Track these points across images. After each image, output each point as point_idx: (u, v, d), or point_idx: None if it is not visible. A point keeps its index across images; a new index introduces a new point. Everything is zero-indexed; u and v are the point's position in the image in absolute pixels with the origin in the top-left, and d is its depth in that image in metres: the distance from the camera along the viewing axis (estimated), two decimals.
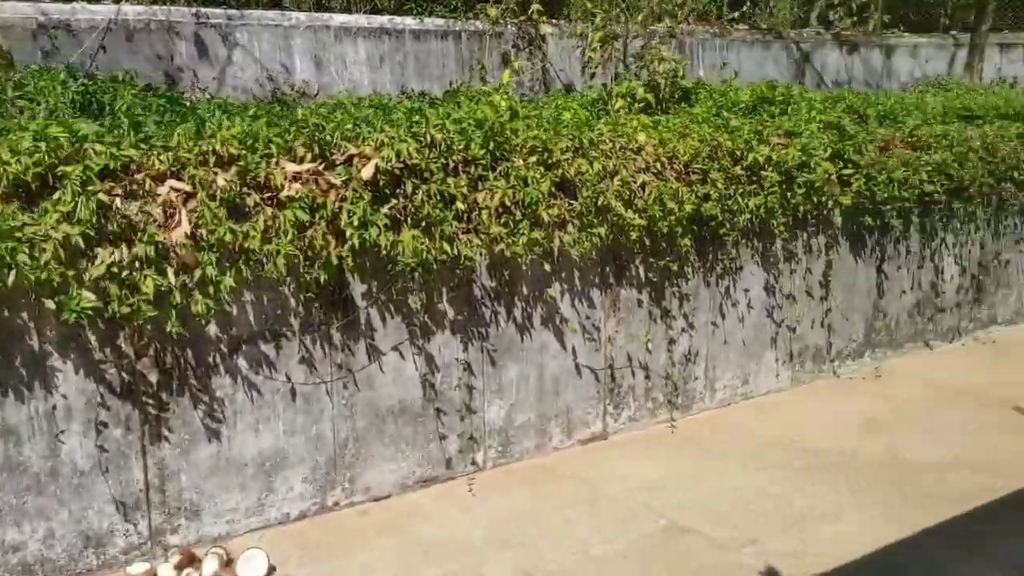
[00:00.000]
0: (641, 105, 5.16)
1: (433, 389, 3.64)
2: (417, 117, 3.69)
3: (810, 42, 11.63)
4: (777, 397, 4.77)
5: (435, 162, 3.46)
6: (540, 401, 3.97)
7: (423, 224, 3.40)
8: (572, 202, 3.85)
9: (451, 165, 3.55)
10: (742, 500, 3.47)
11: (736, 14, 11.89)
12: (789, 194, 4.53)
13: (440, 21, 6.51)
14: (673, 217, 4.11)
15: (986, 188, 5.41)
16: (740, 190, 4.34)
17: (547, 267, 3.81)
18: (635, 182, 4.04)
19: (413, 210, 3.38)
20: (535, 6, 6.48)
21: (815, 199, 4.64)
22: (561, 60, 6.84)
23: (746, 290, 4.61)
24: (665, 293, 4.32)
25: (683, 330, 4.42)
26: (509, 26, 6.63)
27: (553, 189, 3.76)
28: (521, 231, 3.60)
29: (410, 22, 6.33)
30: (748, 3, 12.26)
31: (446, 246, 3.40)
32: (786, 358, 4.86)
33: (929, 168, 5.06)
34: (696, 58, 10.57)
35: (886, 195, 4.87)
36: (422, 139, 3.46)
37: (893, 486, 3.57)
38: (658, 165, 4.15)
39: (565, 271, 3.96)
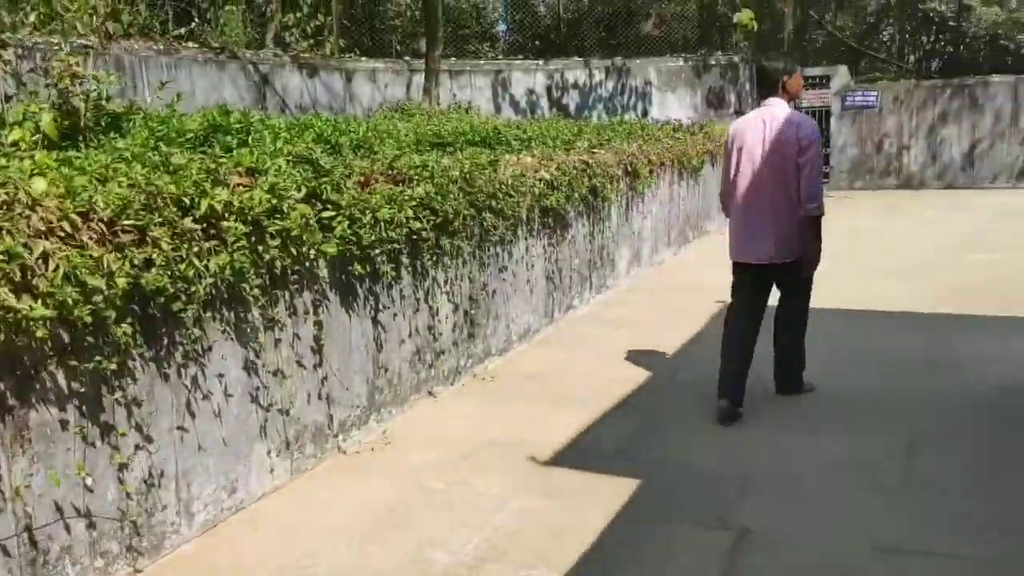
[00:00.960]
0: (45, 138, 3.74)
1: None
2: None
3: (269, 64, 10.88)
4: (275, 501, 3.80)
5: None
6: None
7: None
8: None
9: None
10: None
11: (183, 30, 10.61)
12: (261, 248, 3.58)
13: None
14: (100, 298, 2.86)
15: (469, 220, 5.13)
16: (195, 249, 3.25)
17: None
18: (31, 253, 2.70)
19: None
20: None
21: (294, 251, 3.77)
22: None
23: (220, 375, 3.54)
24: (103, 402, 3.04)
25: (137, 447, 3.19)
26: None
27: None
28: None
29: None
30: (196, 19, 11.06)
31: None
32: (281, 447, 3.91)
33: (414, 203, 4.55)
34: (140, 79, 9.05)
35: (373, 237, 4.22)
36: None
37: None
38: (67, 225, 2.86)
39: None
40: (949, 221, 12.23)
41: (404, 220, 4.46)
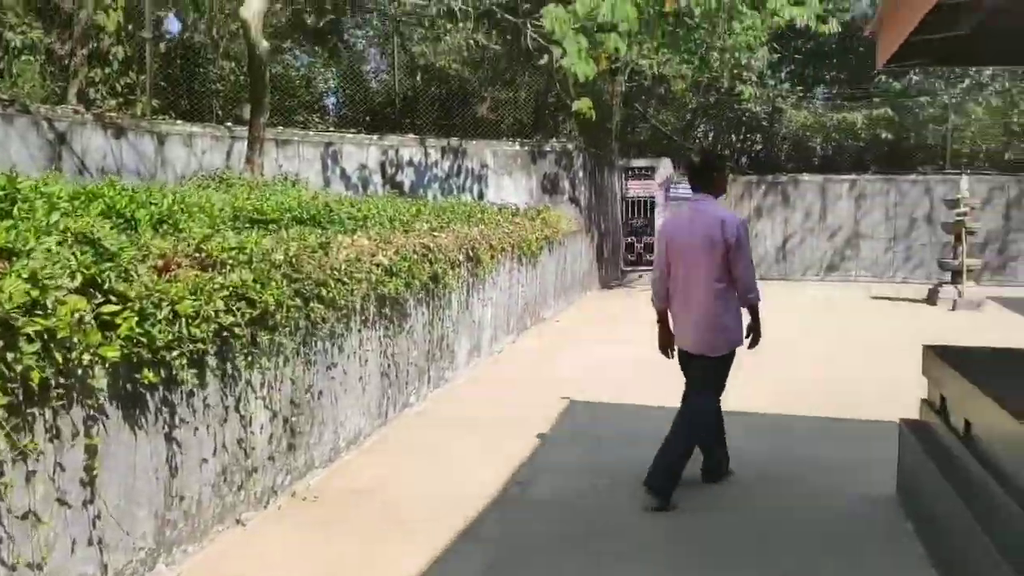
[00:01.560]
0: None
1: None
2: None
3: (67, 121, 9.66)
4: None
5: None
6: None
7: None
8: None
9: None
10: None
11: None
12: (11, 355, 2.70)
13: None
14: None
15: (294, 311, 4.39)
16: None
17: None
18: None
19: None
20: None
21: (60, 357, 2.90)
22: None
23: None
24: None
25: None
26: None
27: None
28: None
29: None
30: None
31: None
32: None
33: (226, 293, 3.78)
34: None
35: (171, 336, 3.41)
36: None
37: None
38: None
39: None
40: (774, 313, 12.63)
41: (212, 314, 3.66)
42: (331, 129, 12.53)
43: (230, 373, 4.01)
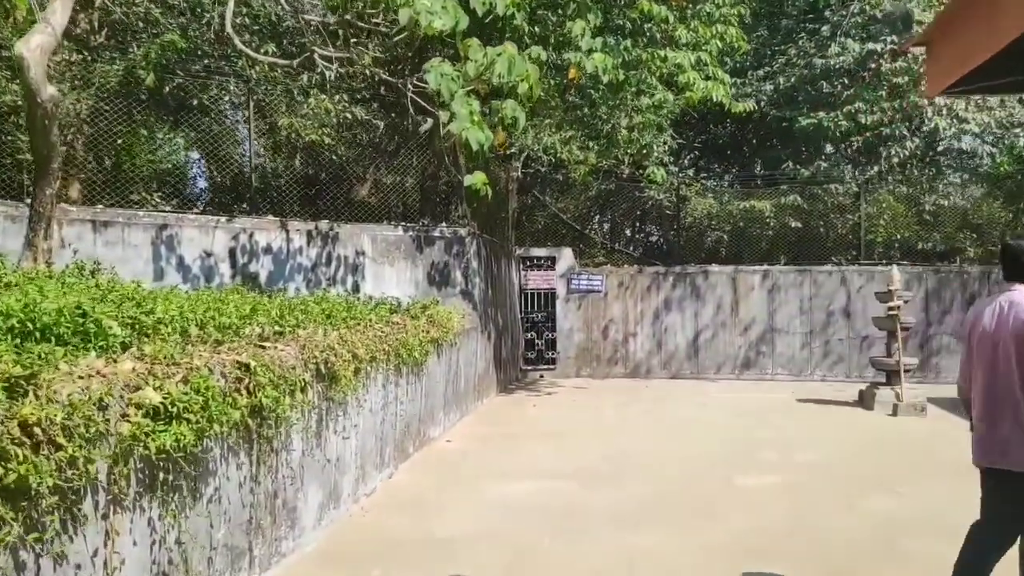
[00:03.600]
0: None
1: None
2: None
3: None
4: None
5: None
6: None
7: None
8: None
9: None
10: None
11: None
12: None
13: None
14: None
15: None
16: None
17: None
18: None
19: None
20: None
21: None
22: None
23: None
24: None
25: None
26: None
27: None
28: None
29: None
30: None
31: None
32: None
33: None
34: None
35: None
36: None
37: None
38: None
39: None
40: (695, 425, 10.87)
41: None
42: (167, 209, 10.26)
43: None
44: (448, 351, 9.95)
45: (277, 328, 5.48)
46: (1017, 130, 18.06)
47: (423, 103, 8.68)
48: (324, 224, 10.83)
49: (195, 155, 11.76)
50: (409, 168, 13.10)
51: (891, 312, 11.99)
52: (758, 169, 19.68)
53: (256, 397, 4.44)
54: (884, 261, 16.44)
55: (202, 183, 11.51)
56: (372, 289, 10.84)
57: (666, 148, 15.37)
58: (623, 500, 6.79)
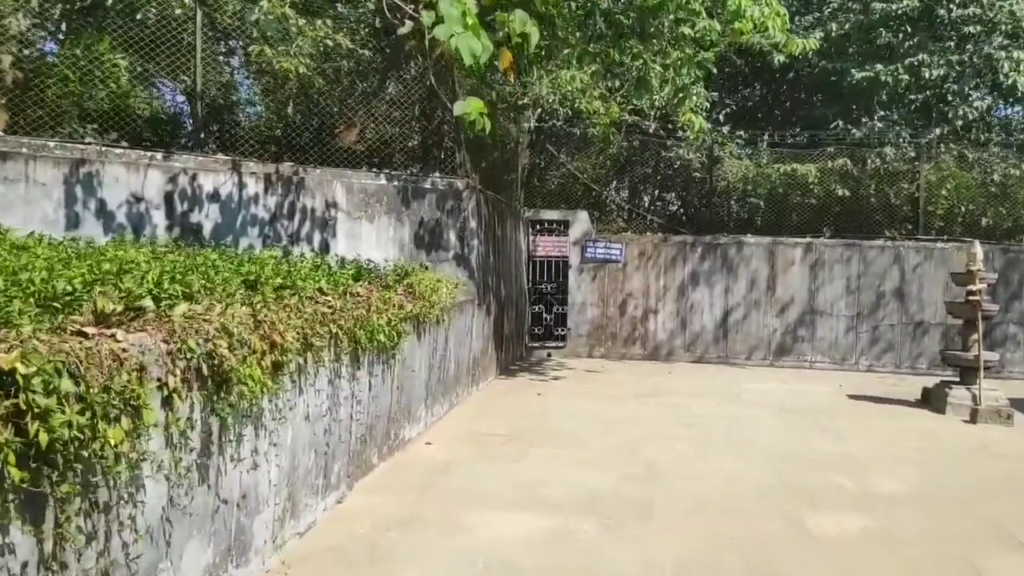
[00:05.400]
0: None
1: None
2: None
3: None
4: None
5: None
6: None
7: None
8: None
9: None
10: None
11: None
12: None
13: None
14: None
15: None
16: None
17: None
18: None
19: None
20: None
21: None
22: None
23: None
24: None
25: None
26: None
27: None
28: None
29: None
30: None
31: None
32: None
33: None
34: None
35: None
36: None
37: None
38: None
39: None
40: (735, 428, 8.89)
41: None
42: (90, 140, 8.25)
43: None
44: (434, 330, 7.98)
45: (139, 302, 3.51)
46: None
47: (401, 3, 6.60)
48: (287, 167, 8.81)
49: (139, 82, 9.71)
50: (402, 109, 11.00)
51: (971, 297, 9.95)
52: (797, 132, 17.50)
53: (32, 431, 2.47)
54: (945, 237, 14.34)
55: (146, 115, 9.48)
56: (345, 249, 8.86)
57: (705, 97, 13.22)
58: (660, 557, 4.84)
